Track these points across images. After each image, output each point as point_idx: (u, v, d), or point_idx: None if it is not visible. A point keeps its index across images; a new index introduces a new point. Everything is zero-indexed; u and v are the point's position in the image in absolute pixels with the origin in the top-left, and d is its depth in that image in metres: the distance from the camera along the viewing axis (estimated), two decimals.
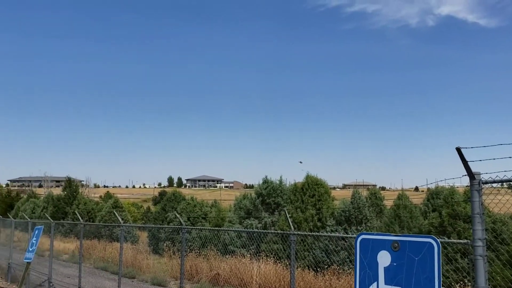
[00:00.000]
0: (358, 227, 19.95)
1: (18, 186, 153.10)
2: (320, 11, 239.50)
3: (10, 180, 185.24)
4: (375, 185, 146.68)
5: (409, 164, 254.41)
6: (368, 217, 20.47)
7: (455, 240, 6.07)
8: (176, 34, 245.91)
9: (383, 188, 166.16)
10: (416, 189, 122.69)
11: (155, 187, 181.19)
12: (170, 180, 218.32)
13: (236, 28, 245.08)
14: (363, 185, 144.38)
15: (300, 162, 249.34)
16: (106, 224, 26.87)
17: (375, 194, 28.27)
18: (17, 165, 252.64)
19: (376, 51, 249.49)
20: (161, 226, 24.83)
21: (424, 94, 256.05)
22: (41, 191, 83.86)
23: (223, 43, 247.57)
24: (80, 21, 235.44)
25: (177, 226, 14.42)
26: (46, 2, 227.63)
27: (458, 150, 4.24)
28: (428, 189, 25.10)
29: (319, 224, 21.03)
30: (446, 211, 15.36)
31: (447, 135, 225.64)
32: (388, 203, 26.19)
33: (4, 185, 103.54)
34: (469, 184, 4.40)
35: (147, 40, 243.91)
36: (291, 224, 8.06)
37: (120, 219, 13.13)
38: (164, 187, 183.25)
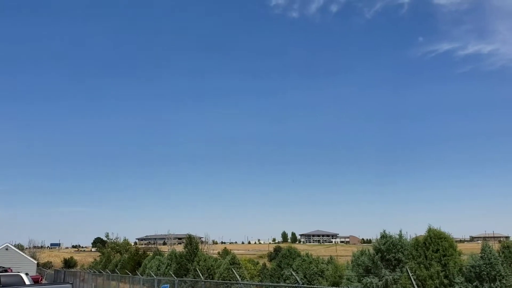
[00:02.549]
0: (492, 285, 18.07)
1: (145, 244, 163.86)
2: (430, 57, 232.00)
3: (138, 239, 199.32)
4: (507, 237, 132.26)
5: None
6: (502, 274, 18.48)
7: None
8: (286, 89, 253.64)
9: None
10: None
11: (270, 243, 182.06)
12: (284, 235, 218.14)
13: (344, 79, 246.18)
14: (494, 236, 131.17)
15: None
16: (225, 281, 27.47)
17: (509, 247, 25.50)
18: (144, 224, 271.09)
19: (497, 92, 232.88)
20: (278, 284, 24.76)
21: None
22: (165, 249, 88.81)
23: (332, 95, 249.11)
24: (194, 84, 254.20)
25: (293, 285, 14.32)
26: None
27: None
28: None
29: (445, 281, 19.46)
30: None
31: None
32: None
33: (132, 244, 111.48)
34: None
35: (260, 97, 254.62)
36: (413, 282, 7.63)
37: (238, 277, 13.43)
38: (278, 242, 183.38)
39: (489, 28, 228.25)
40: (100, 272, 46.39)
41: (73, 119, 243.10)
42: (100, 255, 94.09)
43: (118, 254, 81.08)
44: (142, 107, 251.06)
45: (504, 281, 18.51)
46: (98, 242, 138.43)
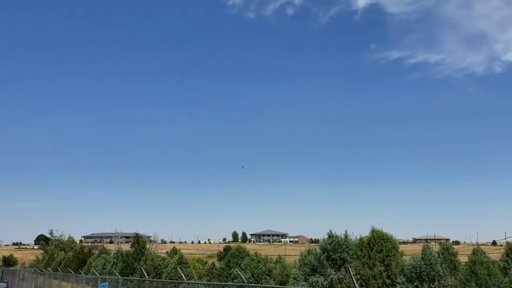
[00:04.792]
0: (431, 285, 18.78)
1: (91, 242, 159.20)
2: (380, 64, 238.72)
3: (84, 236, 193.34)
4: (447, 239, 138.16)
5: (485, 217, 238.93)
6: (441, 274, 19.26)
7: None
8: (241, 91, 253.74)
9: (456, 243, 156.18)
10: (494, 243, 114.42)
11: (220, 243, 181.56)
12: (235, 235, 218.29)
13: (298, 82, 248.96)
14: (435, 239, 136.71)
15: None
16: (172, 280, 27.09)
17: (448, 249, 26.64)
18: (90, 222, 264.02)
19: (443, 101, 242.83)
20: (224, 283, 24.64)
21: (497, 142, 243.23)
22: (112, 247, 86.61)
23: (285, 97, 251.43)
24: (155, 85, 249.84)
25: (239, 284, 14.27)
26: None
27: None
28: (507, 243, 23.39)
29: (388, 281, 20.05)
30: None
31: None
32: (463, 258, 24.55)
33: (78, 241, 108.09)
34: None
35: (213, 99, 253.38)
36: (355, 282, 7.77)
37: (183, 276, 13.24)
38: (228, 242, 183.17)
39: (436, 38, 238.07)
40: (42, 271, 44.61)
41: (20, 114, 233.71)
42: (43, 253, 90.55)
43: (62, 252, 78.24)
44: (95, 105, 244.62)
45: (442, 281, 19.29)
46: (41, 240, 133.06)
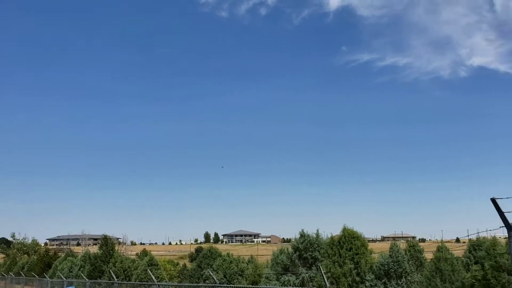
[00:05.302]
0: (398, 281, 19.21)
1: (56, 244, 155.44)
2: (351, 67, 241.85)
3: (49, 239, 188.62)
4: (414, 237, 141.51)
5: (450, 215, 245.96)
6: (408, 271, 19.73)
7: None
8: (219, 91, 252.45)
9: (422, 240, 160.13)
10: (457, 240, 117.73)
11: (192, 244, 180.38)
12: (207, 236, 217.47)
13: (272, 82, 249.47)
14: (402, 237, 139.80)
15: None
16: (142, 283, 26.79)
17: (414, 246, 27.26)
18: (55, 224, 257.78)
19: (410, 103, 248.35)
20: (196, 285, 24.54)
21: (461, 144, 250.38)
22: (79, 250, 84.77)
23: (261, 98, 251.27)
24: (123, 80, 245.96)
25: (211, 285, 14.25)
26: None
27: (493, 200, 4.19)
28: (470, 240, 24.15)
29: (357, 278, 20.39)
30: (489, 263, 14.62)
31: (488, 186, 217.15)
32: (428, 255, 25.17)
33: (42, 244, 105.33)
34: (507, 236, 4.28)
35: (192, 98, 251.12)
36: (325, 279, 7.90)
37: (154, 278, 13.13)
38: (200, 243, 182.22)
39: (405, 42, 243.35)
40: (3, 275, 43.38)
41: None
42: (4, 257, 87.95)
43: (26, 255, 76.15)
44: (65, 104, 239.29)
45: (409, 278, 19.78)
46: (2, 243, 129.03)
